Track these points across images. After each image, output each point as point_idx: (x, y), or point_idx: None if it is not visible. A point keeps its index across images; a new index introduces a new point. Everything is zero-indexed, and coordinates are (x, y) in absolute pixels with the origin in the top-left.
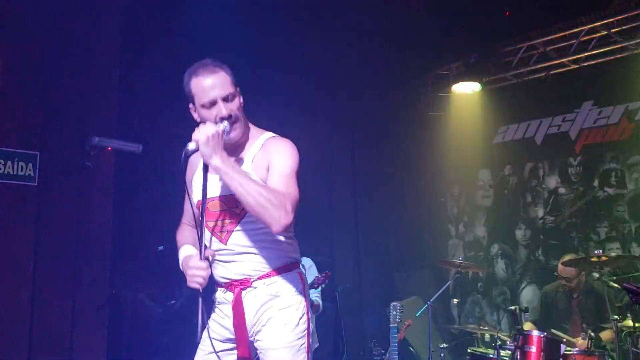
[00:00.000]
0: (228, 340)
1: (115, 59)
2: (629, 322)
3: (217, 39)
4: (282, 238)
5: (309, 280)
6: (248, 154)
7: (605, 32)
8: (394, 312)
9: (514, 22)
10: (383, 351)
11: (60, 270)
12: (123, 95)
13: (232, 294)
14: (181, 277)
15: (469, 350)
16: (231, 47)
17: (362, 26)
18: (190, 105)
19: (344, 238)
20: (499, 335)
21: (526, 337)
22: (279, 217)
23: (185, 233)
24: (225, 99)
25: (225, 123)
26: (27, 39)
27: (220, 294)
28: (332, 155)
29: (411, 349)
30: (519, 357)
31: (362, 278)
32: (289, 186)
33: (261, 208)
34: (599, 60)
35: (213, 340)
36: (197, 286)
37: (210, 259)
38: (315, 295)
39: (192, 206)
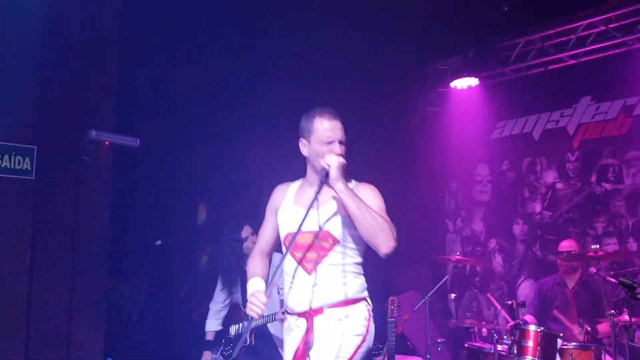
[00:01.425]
0: None
1: (113, 52)
2: (626, 317)
3: (214, 33)
4: (355, 275)
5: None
6: None
7: (604, 28)
8: (392, 307)
9: (512, 17)
10: (380, 345)
11: (57, 264)
12: (121, 89)
13: (304, 321)
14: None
15: (465, 345)
16: (229, 40)
17: (360, 21)
18: (302, 139)
19: None
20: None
21: (523, 331)
22: (389, 239)
23: (257, 262)
24: (341, 142)
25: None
26: (24, 33)
27: (293, 321)
28: None
29: (408, 343)
30: (515, 351)
31: None
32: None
33: (376, 230)
34: (597, 56)
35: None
36: (254, 315)
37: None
38: None
39: (275, 235)
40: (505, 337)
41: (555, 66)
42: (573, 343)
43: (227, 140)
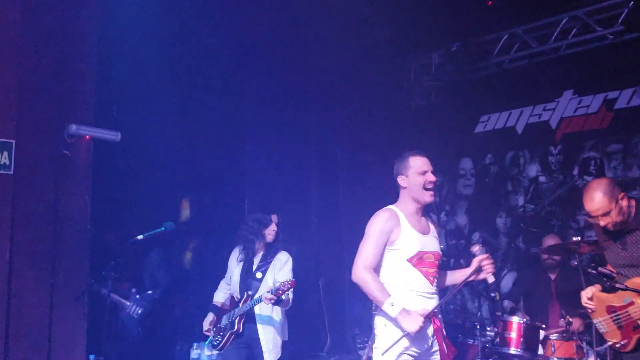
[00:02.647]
0: (420, 355)
1: (93, 44)
2: None
3: (195, 26)
4: None
5: (280, 278)
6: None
7: (586, 21)
8: None
9: (495, 10)
10: (366, 339)
11: (37, 261)
12: (101, 81)
13: (429, 320)
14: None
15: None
16: (212, 33)
17: (344, 16)
18: (400, 176)
19: (327, 227)
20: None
21: (506, 323)
22: None
23: (379, 279)
24: (432, 172)
25: None
26: (2, 24)
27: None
28: (314, 144)
29: None
30: (499, 342)
31: (345, 267)
32: None
33: None
34: (579, 49)
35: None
36: (412, 332)
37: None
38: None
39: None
40: (488, 328)
41: (538, 60)
42: (555, 334)
43: (209, 135)
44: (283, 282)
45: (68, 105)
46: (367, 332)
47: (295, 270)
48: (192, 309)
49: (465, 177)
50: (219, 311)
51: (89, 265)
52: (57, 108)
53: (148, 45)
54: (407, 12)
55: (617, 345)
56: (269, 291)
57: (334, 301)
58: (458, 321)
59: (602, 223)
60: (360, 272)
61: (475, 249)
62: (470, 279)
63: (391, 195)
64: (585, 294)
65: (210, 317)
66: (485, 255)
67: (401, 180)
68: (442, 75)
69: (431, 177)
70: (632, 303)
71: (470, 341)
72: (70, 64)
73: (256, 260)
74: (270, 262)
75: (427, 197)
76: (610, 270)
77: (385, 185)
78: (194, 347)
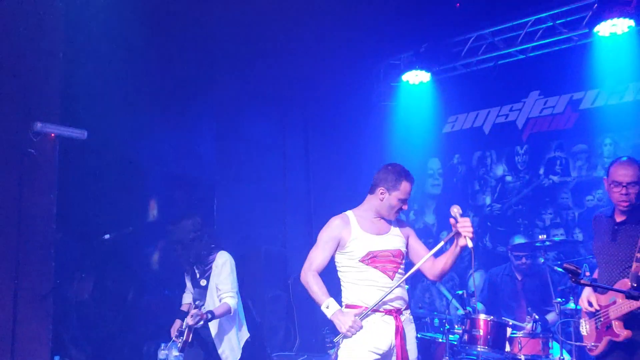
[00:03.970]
0: (382, 354)
1: (59, 41)
2: (572, 305)
3: (163, 22)
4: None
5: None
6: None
7: (551, 23)
8: None
9: (463, 12)
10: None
11: (1, 260)
12: (67, 79)
13: (392, 317)
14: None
15: (418, 335)
16: (180, 31)
17: (314, 16)
18: (382, 188)
19: (297, 226)
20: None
21: (473, 321)
22: None
23: (321, 283)
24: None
25: None
26: None
27: (378, 318)
28: (285, 143)
29: None
30: (466, 340)
31: None
32: None
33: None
34: (545, 51)
35: (371, 354)
36: (350, 336)
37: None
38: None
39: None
40: (456, 326)
41: (505, 61)
42: (522, 331)
43: (177, 133)
44: (196, 313)
45: (33, 102)
46: (336, 332)
47: (264, 269)
48: (159, 309)
49: (434, 177)
50: (186, 315)
51: (55, 265)
52: (21, 105)
53: (114, 43)
54: (376, 14)
55: (589, 347)
56: (192, 316)
57: (304, 300)
58: (426, 319)
59: (623, 191)
60: (306, 275)
61: (454, 210)
62: (448, 241)
63: (362, 194)
64: (587, 297)
65: (177, 324)
66: (465, 218)
67: (380, 192)
68: (411, 76)
69: (405, 207)
70: (614, 302)
71: (438, 339)
72: (35, 60)
73: (197, 269)
74: (210, 267)
75: (392, 217)
76: (575, 267)
77: (355, 185)
78: (162, 348)
